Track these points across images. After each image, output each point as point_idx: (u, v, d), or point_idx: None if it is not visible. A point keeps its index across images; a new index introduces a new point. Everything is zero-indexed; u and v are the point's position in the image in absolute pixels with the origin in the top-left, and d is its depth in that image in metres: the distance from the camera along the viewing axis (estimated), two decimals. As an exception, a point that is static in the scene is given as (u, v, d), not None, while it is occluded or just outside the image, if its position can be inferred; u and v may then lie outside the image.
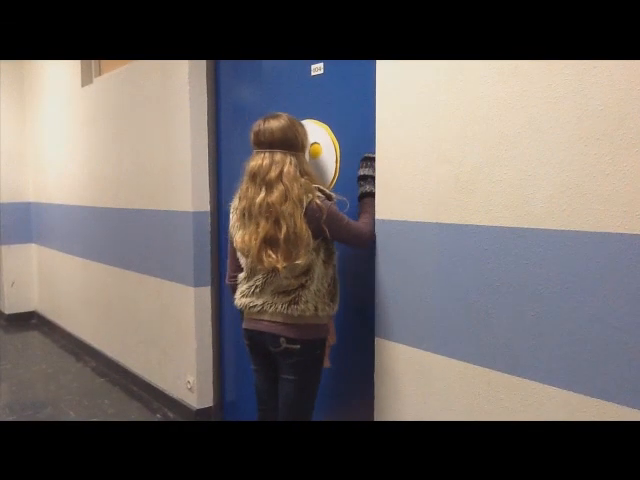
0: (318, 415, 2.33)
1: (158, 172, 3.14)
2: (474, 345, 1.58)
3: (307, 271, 1.76)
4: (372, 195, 1.87)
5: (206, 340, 2.96)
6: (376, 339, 1.88)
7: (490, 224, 1.52)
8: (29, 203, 5.24)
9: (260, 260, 1.74)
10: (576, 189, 1.33)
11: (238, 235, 1.80)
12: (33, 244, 5.28)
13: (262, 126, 1.77)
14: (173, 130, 2.97)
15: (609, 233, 1.27)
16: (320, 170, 2.07)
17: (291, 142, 1.76)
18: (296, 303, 1.75)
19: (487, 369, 1.55)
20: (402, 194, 1.75)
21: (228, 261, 2.01)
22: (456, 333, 1.62)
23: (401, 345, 1.79)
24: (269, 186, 1.71)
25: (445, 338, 1.66)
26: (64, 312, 4.72)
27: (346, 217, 1.80)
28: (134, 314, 3.54)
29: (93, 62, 4.06)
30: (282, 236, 1.68)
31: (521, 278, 1.45)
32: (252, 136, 1.80)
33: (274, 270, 1.74)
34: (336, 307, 1.86)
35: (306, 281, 1.76)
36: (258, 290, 1.81)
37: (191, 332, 2.95)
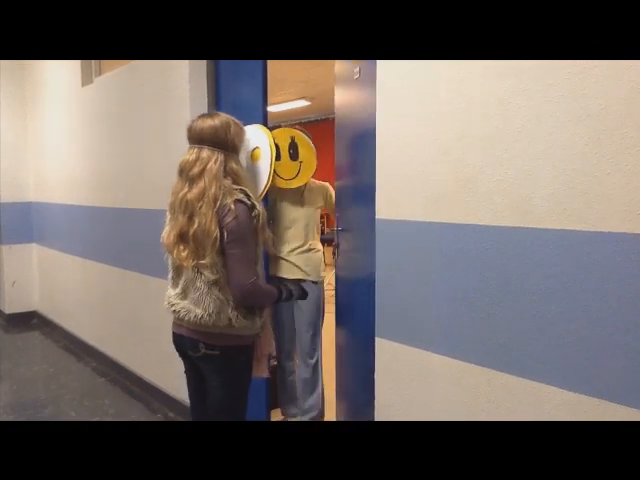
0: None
1: (158, 171, 3.14)
2: (475, 345, 1.58)
3: (216, 281, 1.68)
4: (282, 298, 1.83)
5: (207, 340, 2.95)
6: (377, 339, 1.88)
7: (490, 223, 1.52)
8: (30, 203, 5.24)
9: (172, 254, 1.73)
10: (577, 188, 1.33)
11: (165, 231, 1.78)
12: (34, 244, 5.28)
13: (195, 122, 1.76)
14: (173, 129, 2.96)
15: (610, 232, 1.27)
16: (255, 175, 2.08)
17: (220, 140, 1.73)
18: (209, 315, 1.69)
19: (488, 369, 1.55)
20: (402, 193, 1.75)
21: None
22: (457, 333, 1.62)
23: (402, 345, 1.79)
24: (192, 182, 1.70)
25: (446, 338, 1.66)
26: (65, 312, 4.72)
27: (253, 252, 1.70)
28: (135, 314, 3.54)
29: (93, 62, 4.06)
30: (191, 233, 1.66)
31: (522, 278, 1.45)
32: (186, 131, 1.78)
33: (193, 276, 1.70)
34: (257, 320, 1.75)
35: (216, 292, 1.69)
36: (180, 292, 1.78)
37: (192, 332, 2.94)
